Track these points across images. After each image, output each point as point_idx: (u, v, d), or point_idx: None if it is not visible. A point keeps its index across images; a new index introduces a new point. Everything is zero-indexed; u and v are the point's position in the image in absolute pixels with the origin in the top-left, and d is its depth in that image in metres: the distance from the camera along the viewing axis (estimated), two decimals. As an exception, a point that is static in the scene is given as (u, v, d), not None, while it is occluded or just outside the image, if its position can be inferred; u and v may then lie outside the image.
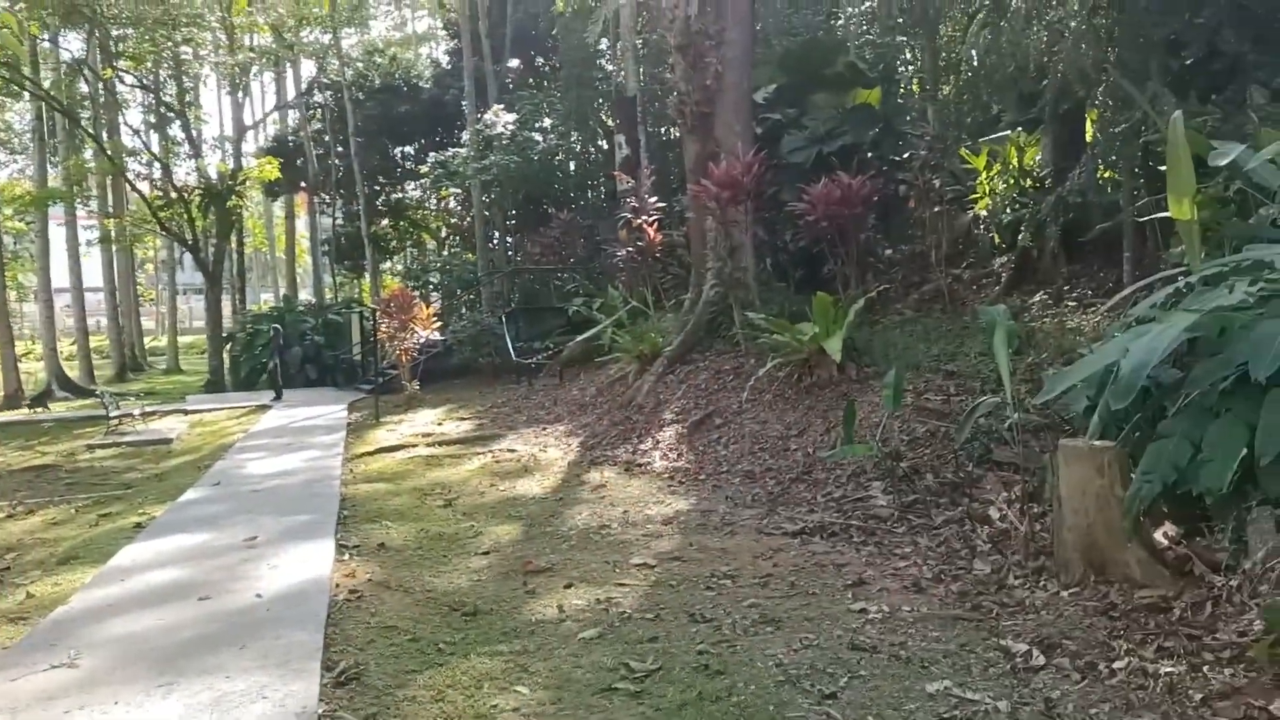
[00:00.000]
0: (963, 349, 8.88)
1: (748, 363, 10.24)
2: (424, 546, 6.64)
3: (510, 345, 15.73)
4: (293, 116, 30.07)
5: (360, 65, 26.23)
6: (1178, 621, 4.28)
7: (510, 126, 19.85)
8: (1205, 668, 3.86)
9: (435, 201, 25.83)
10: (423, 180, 24.46)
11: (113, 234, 25.11)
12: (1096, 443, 4.79)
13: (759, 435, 8.71)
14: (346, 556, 6.36)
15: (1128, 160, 7.90)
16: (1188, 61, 7.33)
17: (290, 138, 28.34)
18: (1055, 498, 5.02)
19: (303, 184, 27.50)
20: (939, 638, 4.50)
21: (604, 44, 21.51)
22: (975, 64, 10.24)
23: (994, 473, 6.65)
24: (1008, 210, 11.13)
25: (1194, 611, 4.32)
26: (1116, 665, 3.97)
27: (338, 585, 5.63)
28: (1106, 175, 8.50)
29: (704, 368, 10.80)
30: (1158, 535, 4.98)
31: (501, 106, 20.58)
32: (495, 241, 21.58)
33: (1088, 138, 10.26)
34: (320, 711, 3.87)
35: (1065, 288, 9.73)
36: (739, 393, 9.65)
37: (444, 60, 27.38)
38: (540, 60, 24.55)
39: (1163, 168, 8.38)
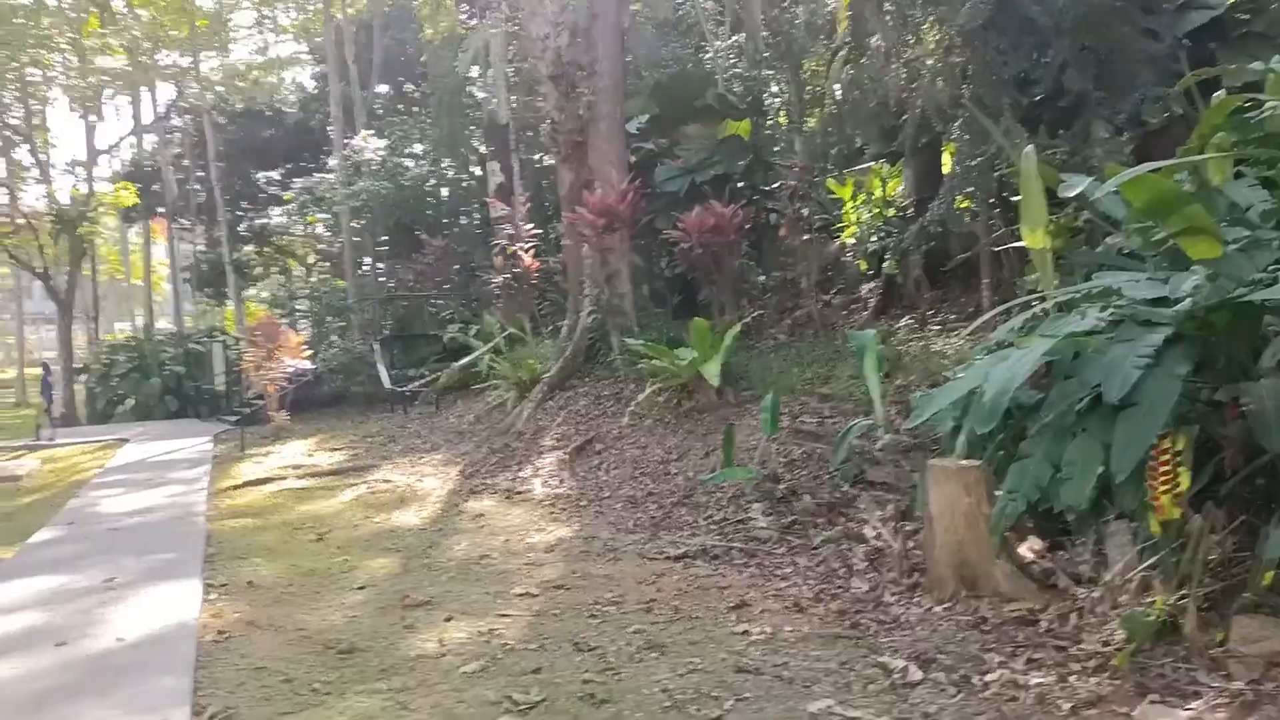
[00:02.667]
0: (835, 372, 9.16)
1: (627, 388, 10.28)
2: (295, 583, 6.35)
3: (385, 373, 15.34)
4: (150, 140, 28.69)
5: (221, 89, 25.28)
6: (1045, 633, 4.48)
7: (380, 153, 19.47)
8: (1072, 677, 4.04)
9: (302, 227, 25.05)
10: (289, 205, 23.69)
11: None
12: (963, 462, 4.99)
13: (640, 460, 8.73)
14: (214, 596, 6.03)
15: (983, 191, 8.35)
16: (1037, 98, 7.82)
17: (147, 162, 27.06)
18: (926, 516, 5.20)
19: (161, 209, 26.24)
20: (820, 656, 4.58)
21: (475, 71, 21.39)
22: (839, 98, 10.64)
23: (869, 492, 6.85)
24: (873, 239, 11.59)
25: (1060, 623, 4.52)
26: (989, 678, 4.11)
27: (205, 626, 5.33)
28: (964, 205, 8.97)
29: (583, 394, 10.78)
30: (1023, 549, 5.21)
31: (371, 132, 20.17)
32: (366, 268, 21.07)
33: (945, 170, 10.81)
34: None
35: (929, 312, 10.18)
36: (619, 418, 9.67)
37: (310, 84, 26.68)
38: (410, 86, 24.22)
39: (1016, 198, 8.95)
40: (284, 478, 10.66)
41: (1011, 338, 4.96)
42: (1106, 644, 4.26)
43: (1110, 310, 4.36)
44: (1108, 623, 4.39)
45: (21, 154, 23.89)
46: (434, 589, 6.09)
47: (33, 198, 23.29)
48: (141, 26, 22.96)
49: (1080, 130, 7.21)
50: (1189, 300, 4.14)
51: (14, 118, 23.70)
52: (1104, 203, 5.62)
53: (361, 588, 6.20)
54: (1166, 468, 4.18)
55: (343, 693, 4.34)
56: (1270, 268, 4.32)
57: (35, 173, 23.60)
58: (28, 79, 22.11)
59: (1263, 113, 4.59)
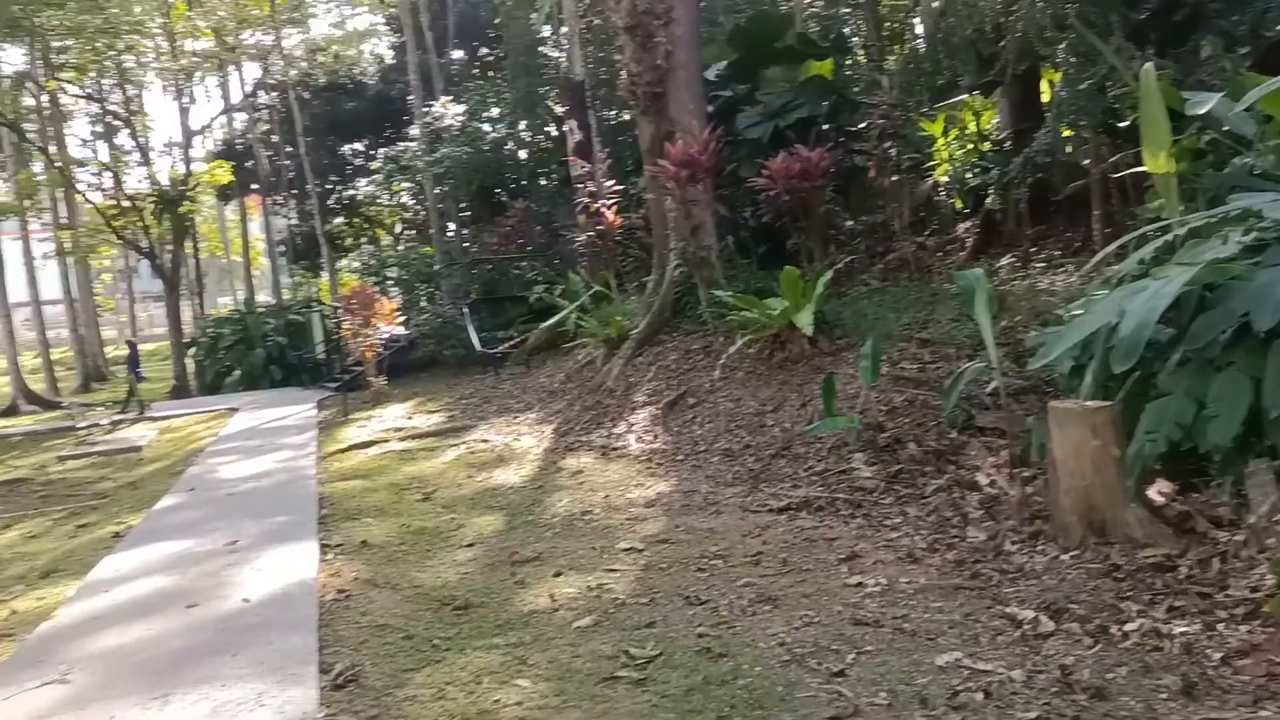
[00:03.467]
0: (934, 316, 8.86)
1: (716, 341, 10.13)
2: (407, 542, 6.48)
3: (474, 336, 15.49)
4: (240, 119, 29.41)
5: (304, 64, 25.69)
6: (1185, 580, 4.25)
7: (459, 118, 19.52)
8: (1220, 625, 3.83)
9: (389, 196, 25.40)
10: (375, 176, 24.04)
11: (67, 245, 24.49)
12: (1090, 403, 4.74)
13: (734, 413, 8.61)
14: (330, 556, 6.18)
15: (1092, 117, 7.89)
16: (1146, 14, 7.31)
17: (239, 140, 27.73)
18: (1050, 461, 4.98)
19: (254, 186, 26.93)
20: (941, 608, 4.44)
21: (548, 30, 21.22)
22: (930, 29, 10.18)
23: (978, 438, 6.61)
24: (968, 175, 11.13)
25: (1201, 569, 4.29)
26: (1128, 627, 3.92)
27: (325, 586, 5.46)
28: (1068, 134, 8.51)
29: (672, 348, 10.67)
30: (1153, 493, 4.96)
31: (449, 98, 20.22)
32: (451, 233, 21.27)
33: (1044, 98, 10.28)
34: (321, 716, 3.72)
35: (1032, 249, 9.75)
36: (710, 371, 9.54)
37: (388, 55, 26.89)
38: (484, 50, 24.20)
39: (1123, 124, 8.45)
40: (387, 440, 10.88)
41: (1142, 269, 4.66)
42: (1255, 590, 4.03)
43: (1254, 235, 4.04)
44: (1255, 568, 4.16)
45: (123, 138, 24.78)
46: (540, 545, 6.12)
47: (135, 180, 24.20)
48: (226, 7, 23.44)
49: (1194, 46, 6.72)
50: (1342, 219, 3.81)
51: (114, 104, 24.54)
52: (1232, 121, 5.24)
53: (470, 545, 6.28)
54: (1318, 400, 3.89)
55: (462, 648, 4.39)
56: None
57: (136, 156, 24.46)
58: (124, 65, 22.80)
59: None
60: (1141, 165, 5.67)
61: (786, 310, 8.91)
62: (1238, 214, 4.26)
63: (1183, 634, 3.79)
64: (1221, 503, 4.64)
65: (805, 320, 8.67)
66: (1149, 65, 5.16)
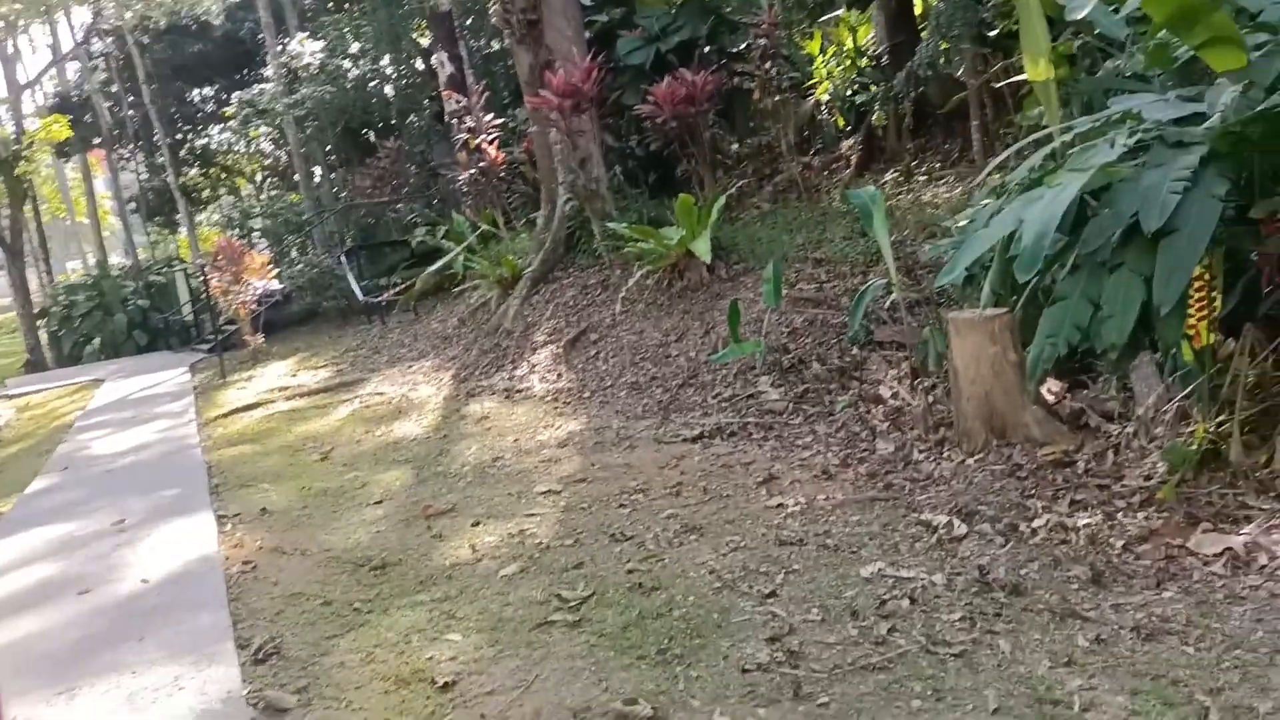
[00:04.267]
0: (826, 235, 8.95)
1: (613, 274, 10.03)
2: (309, 505, 6.24)
3: (355, 285, 14.95)
4: (74, 69, 27.16)
5: (139, 6, 23.77)
6: (1084, 474, 4.44)
7: (318, 55, 18.52)
8: (1120, 514, 4.02)
9: (246, 144, 24.01)
10: (229, 123, 22.63)
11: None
12: (988, 312, 4.86)
13: (638, 346, 8.57)
14: (229, 527, 5.90)
15: (968, 28, 8.00)
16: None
17: (74, 92, 25.63)
18: (950, 370, 5.10)
19: (97, 140, 25.02)
20: (860, 521, 4.54)
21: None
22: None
23: (878, 353, 6.75)
24: (849, 92, 11.21)
25: (1097, 462, 4.49)
26: (1036, 524, 4.08)
27: (228, 558, 5.22)
28: (944, 46, 8.62)
29: (569, 285, 10.52)
30: (1043, 392, 5.15)
31: (305, 35, 19.13)
32: (318, 179, 20.33)
33: (917, 12, 10.37)
34: (246, 693, 3.55)
35: (913, 164, 9.92)
36: (610, 306, 9.45)
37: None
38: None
39: (994, 33, 8.61)
40: (272, 401, 10.44)
41: (1033, 177, 4.75)
42: (1148, 478, 4.24)
43: (1137, 137, 4.15)
44: (1146, 457, 4.36)
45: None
46: (453, 496, 5.99)
47: (-41, 142, 22.09)
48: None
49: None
50: (1219, 116, 3.94)
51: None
52: (1104, 24, 5.36)
53: (379, 502, 6.09)
54: (1202, 293, 4.07)
55: (385, 609, 4.26)
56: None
57: (-41, 115, 22.37)
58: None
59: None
60: (1017, 74, 5.78)
61: (683, 239, 8.85)
62: (1119, 117, 4.37)
63: (1086, 525, 3.97)
64: (1110, 397, 4.86)
65: (703, 248, 8.64)
66: (1028, -28, 5.19)
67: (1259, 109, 3.83)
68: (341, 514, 5.93)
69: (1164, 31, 4.79)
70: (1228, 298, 4.29)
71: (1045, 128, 5.36)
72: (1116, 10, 5.31)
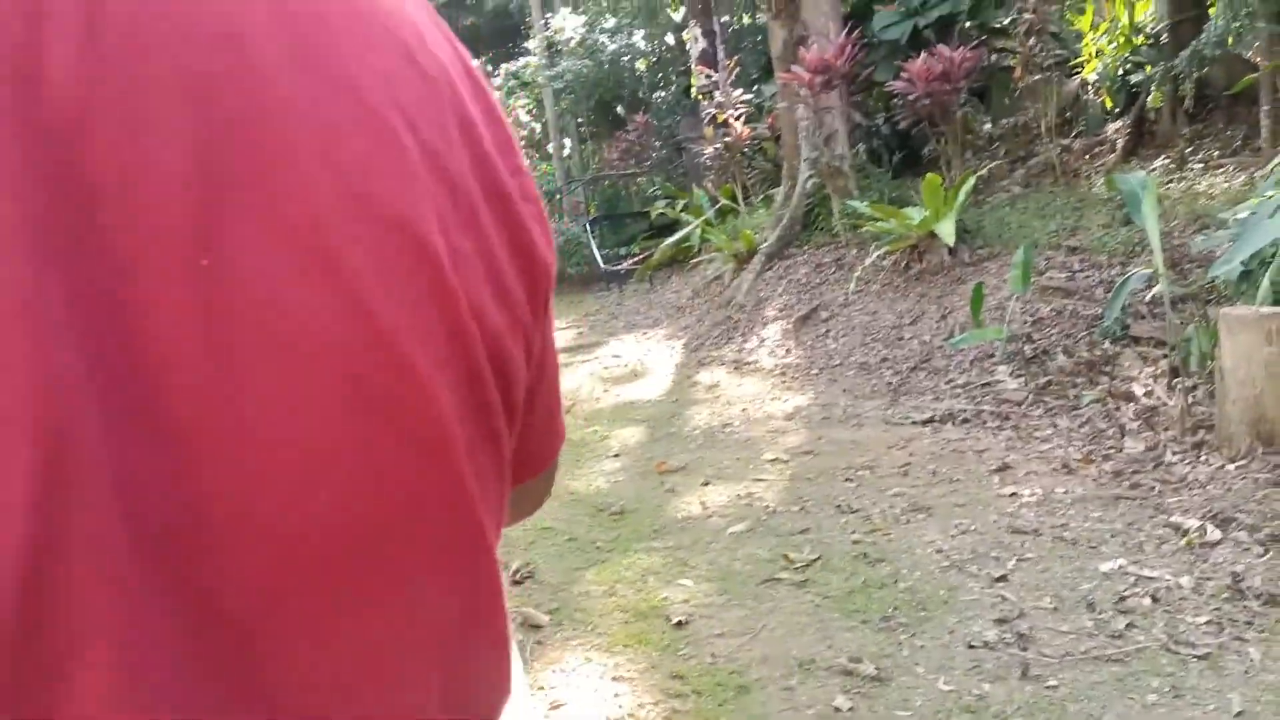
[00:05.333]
0: (1082, 223, 8.51)
1: (849, 254, 10.00)
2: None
3: (596, 253, 15.66)
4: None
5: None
6: (1364, 488, 4.11)
7: (580, 30, 19.38)
8: (1402, 533, 3.71)
9: (507, 113, 25.54)
10: (495, 92, 24.20)
11: None
12: (1265, 309, 4.55)
13: (869, 326, 8.55)
14: (485, 466, 6.50)
15: (1268, 5, 7.31)
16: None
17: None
18: (1216, 369, 4.81)
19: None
20: (1101, 518, 4.41)
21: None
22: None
23: (1132, 349, 6.41)
24: (1120, 71, 10.49)
25: (1382, 479, 4.13)
26: (1302, 536, 3.84)
27: (486, 493, 5.78)
28: (1236, 25, 7.91)
29: (803, 262, 10.58)
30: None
31: (570, 9, 20.06)
32: (569, 150, 21.34)
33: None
34: (509, 608, 4.00)
35: (1188, 150, 9.19)
36: (843, 285, 9.45)
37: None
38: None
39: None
40: (520, 356, 11.22)
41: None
42: None
43: None
44: None
45: None
46: (685, 456, 6.30)
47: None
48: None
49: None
50: None
51: None
52: None
53: (616, 455, 6.51)
54: None
55: (624, 550, 4.61)
56: None
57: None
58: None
59: None
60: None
61: (925, 220, 8.70)
62: None
63: (1364, 545, 3.68)
64: None
65: (946, 230, 8.46)
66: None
67: None
68: (584, 463, 6.39)
69: None
70: None
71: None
72: None
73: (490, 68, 25.17)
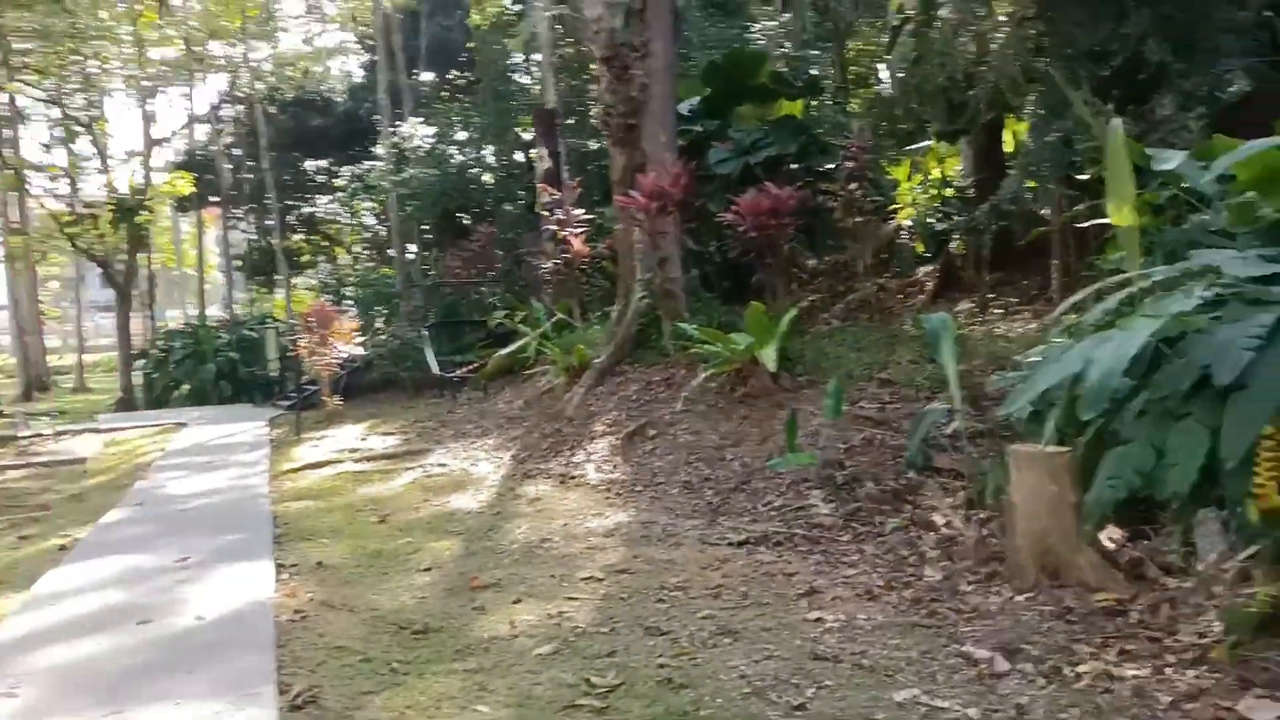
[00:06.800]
0: (894, 357, 8.99)
1: (679, 374, 10.19)
2: (363, 564, 6.40)
3: (433, 359, 15.38)
4: (203, 130, 29.07)
5: (272, 79, 25.53)
6: (1136, 624, 4.33)
7: (429, 140, 19.52)
8: (1169, 670, 3.90)
9: (350, 216, 25.24)
10: (338, 194, 23.87)
11: (18, 251, 23.82)
12: (1050, 449, 4.85)
13: (694, 446, 8.65)
14: (285, 576, 6.08)
15: (1056, 168, 8.13)
16: (1111, 71, 7.57)
17: (200, 152, 27.44)
18: (1007, 503, 5.07)
19: (214, 198, 26.60)
20: (899, 645, 4.48)
21: (520, 57, 21.37)
22: (901, 75, 10.44)
23: (935, 479, 6.71)
24: (931, 220, 11.38)
25: (1151, 614, 4.38)
26: (1081, 669, 3.99)
27: (280, 605, 5.37)
28: (1032, 185, 8.76)
29: (634, 379, 10.71)
30: (1104, 538, 5.06)
31: (420, 119, 20.22)
32: (412, 255, 21.17)
33: (1006, 148, 10.55)
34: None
35: (990, 296, 9.96)
36: (671, 404, 9.58)
37: (358, 74, 26.89)
38: (456, 74, 24.30)
39: (1083, 176, 8.71)
40: (341, 461, 10.75)
41: (1107, 319, 4.79)
42: (1203, 636, 4.12)
43: (1214, 290, 4.18)
44: (1203, 614, 4.25)
45: (82, 144, 24.27)
46: (499, 571, 6.08)
47: (93, 187, 23.68)
48: (196, 18, 23.20)
49: (1157, 104, 6.99)
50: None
51: (74, 109, 24.05)
52: (1193, 179, 5.42)
53: (428, 569, 6.21)
54: (1272, 453, 4.01)
55: (421, 673, 4.33)
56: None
57: (95, 163, 23.99)
58: (88, 71, 22.40)
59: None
60: (1102, 217, 5.86)
61: (751, 346, 9.00)
62: (1199, 269, 4.41)
63: (1134, 677, 3.86)
64: (1171, 550, 4.76)
65: (769, 356, 8.76)
66: (1117, 121, 5.34)
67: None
68: (392, 576, 6.06)
69: (1250, 191, 4.85)
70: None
71: (1125, 273, 5.41)
72: (1206, 166, 5.39)
73: (336, 168, 24.96)
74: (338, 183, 22.83)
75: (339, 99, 24.84)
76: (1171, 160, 4.71)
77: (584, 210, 14.22)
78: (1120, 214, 5.01)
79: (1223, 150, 4.30)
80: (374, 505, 8.40)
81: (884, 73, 16.19)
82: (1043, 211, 9.61)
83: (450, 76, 22.86)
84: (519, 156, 20.20)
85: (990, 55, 7.91)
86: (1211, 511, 4.45)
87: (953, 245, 10.45)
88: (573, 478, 8.79)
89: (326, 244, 27.35)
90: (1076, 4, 7.47)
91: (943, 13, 8.31)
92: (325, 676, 4.30)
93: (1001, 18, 8.14)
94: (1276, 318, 3.82)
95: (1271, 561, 4.07)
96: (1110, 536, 5.12)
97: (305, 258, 27.55)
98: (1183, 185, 5.62)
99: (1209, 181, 4.82)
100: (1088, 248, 8.75)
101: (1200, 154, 4.78)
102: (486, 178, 20.29)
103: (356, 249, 26.27)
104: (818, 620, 4.87)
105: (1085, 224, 7.57)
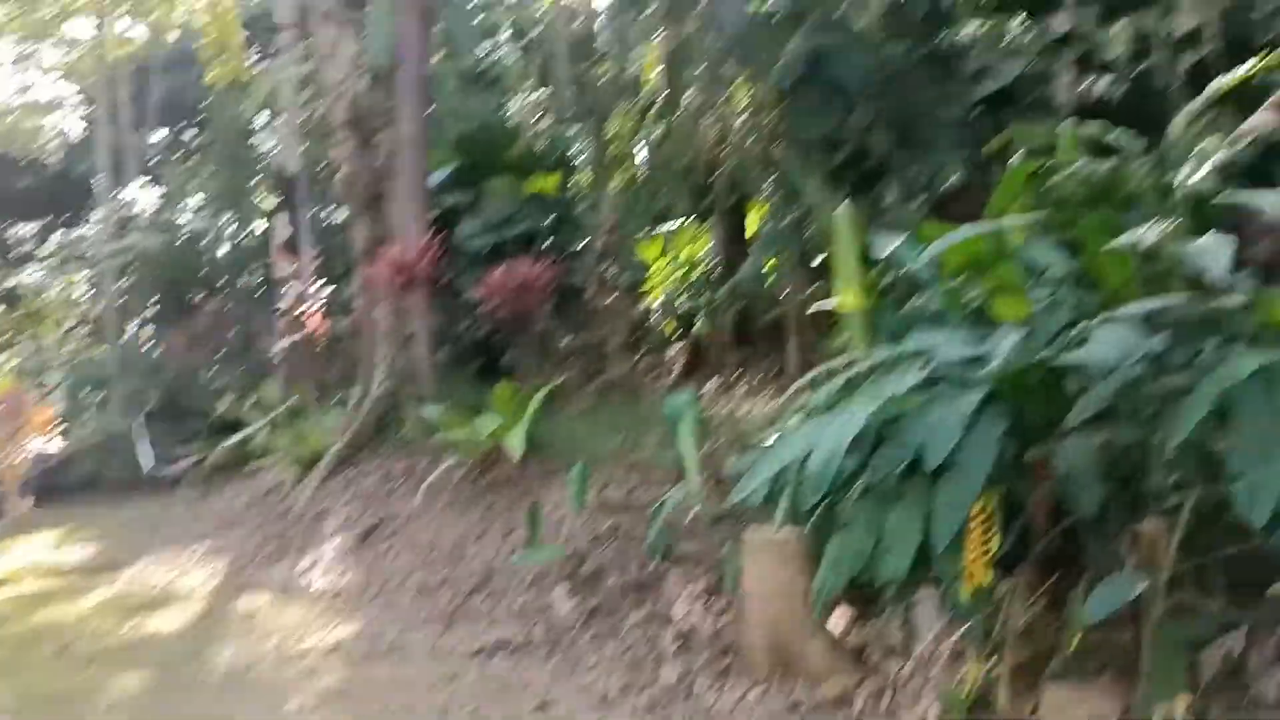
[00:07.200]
0: (642, 440, 8.79)
1: (421, 463, 9.51)
2: (25, 712, 5.35)
3: (146, 453, 13.73)
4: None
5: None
6: (860, 713, 4.26)
7: (155, 204, 17.90)
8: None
9: (59, 289, 22.62)
10: (46, 264, 21.35)
11: None
12: (779, 534, 4.70)
13: (434, 543, 8.04)
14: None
15: (791, 252, 8.37)
16: (842, 160, 7.96)
17: None
18: (740, 592, 4.87)
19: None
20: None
21: (260, 119, 20.14)
22: (649, 156, 10.59)
23: (678, 567, 6.45)
24: (680, 299, 11.51)
25: (874, 701, 4.33)
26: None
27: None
28: (771, 266, 9.00)
29: (373, 470, 9.91)
30: (834, 620, 4.95)
31: (148, 179, 18.50)
32: (131, 333, 19.13)
33: (750, 230, 10.86)
34: None
35: (735, 375, 10.08)
36: (411, 497, 8.90)
37: (75, 129, 24.35)
38: (191, 133, 22.54)
39: (821, 258, 9.03)
40: (21, 579, 9.25)
41: (831, 401, 4.76)
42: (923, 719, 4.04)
43: (927, 372, 4.22)
44: (922, 698, 4.18)
45: None
46: (190, 710, 5.23)
47: None
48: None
49: (881, 192, 7.37)
50: (1000, 360, 4.04)
51: None
52: (909, 263, 5.58)
53: (106, 711, 5.27)
54: (978, 532, 4.02)
55: None
56: (1068, 327, 4.30)
57: None
58: None
59: (1058, 176, 4.68)
60: (832, 299, 5.94)
61: (496, 431, 8.53)
62: (913, 352, 4.45)
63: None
64: (894, 632, 4.71)
65: (515, 442, 8.32)
66: (844, 207, 5.43)
67: (1036, 358, 3.95)
68: (53, 727, 5.02)
69: (959, 276, 5.01)
70: (1005, 538, 4.26)
71: (851, 354, 5.45)
72: (921, 252, 5.56)
73: (46, 234, 22.40)
74: (45, 252, 20.40)
75: (50, 160, 22.34)
76: (889, 245, 4.83)
77: (325, 283, 13.36)
78: (846, 297, 5.06)
79: (934, 236, 4.41)
80: (54, 633, 7.15)
81: (642, 153, 16.58)
82: (780, 295, 9.91)
83: (184, 135, 21.21)
84: (258, 225, 18.92)
85: (730, 140, 8.12)
86: (930, 591, 4.43)
87: (696, 326, 10.56)
88: (296, 587, 7.95)
89: (30, 321, 24.29)
90: (809, 95, 7.84)
91: (685, 97, 8.48)
92: None
93: (742, 103, 8.40)
94: (981, 399, 3.88)
95: (982, 640, 4.06)
96: (841, 619, 5.02)
97: (5, 337, 24.33)
98: (904, 270, 5.78)
99: (924, 266, 4.93)
100: (822, 328, 9.04)
101: (918, 239, 4.92)
102: (220, 248, 18.81)
103: (67, 326, 23.50)
104: (550, 738, 4.40)
105: (813, 307, 7.80)
